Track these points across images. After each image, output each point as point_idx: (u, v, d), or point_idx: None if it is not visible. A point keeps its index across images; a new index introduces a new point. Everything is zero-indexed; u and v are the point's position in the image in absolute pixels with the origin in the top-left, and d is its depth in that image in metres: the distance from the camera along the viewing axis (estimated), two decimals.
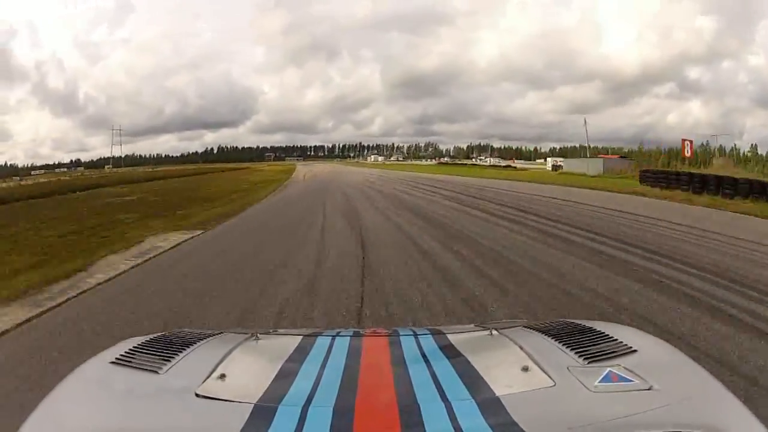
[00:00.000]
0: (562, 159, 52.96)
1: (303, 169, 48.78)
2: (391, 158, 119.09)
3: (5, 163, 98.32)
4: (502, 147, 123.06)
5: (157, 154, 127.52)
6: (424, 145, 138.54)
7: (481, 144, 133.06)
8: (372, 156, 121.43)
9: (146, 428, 0.69)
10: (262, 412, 0.68)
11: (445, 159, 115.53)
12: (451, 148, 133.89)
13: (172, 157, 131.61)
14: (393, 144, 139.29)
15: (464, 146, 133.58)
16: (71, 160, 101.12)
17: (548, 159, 60.04)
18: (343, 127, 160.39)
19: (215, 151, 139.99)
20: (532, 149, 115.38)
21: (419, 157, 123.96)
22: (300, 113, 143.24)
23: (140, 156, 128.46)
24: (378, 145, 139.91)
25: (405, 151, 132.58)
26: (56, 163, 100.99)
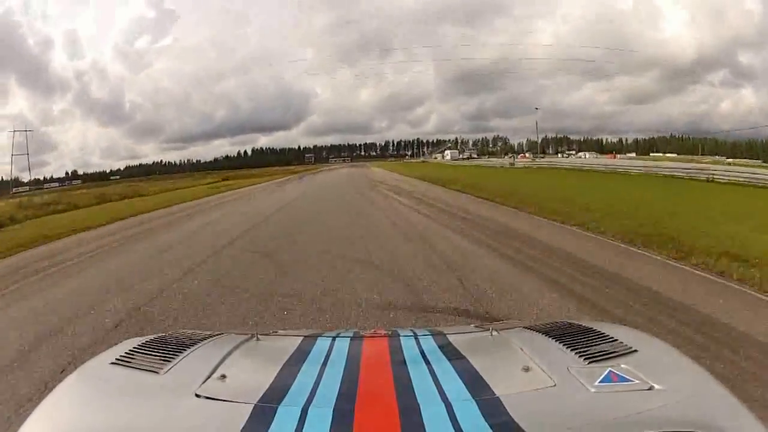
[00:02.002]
0: None
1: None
2: (464, 155, 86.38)
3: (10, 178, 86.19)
4: (581, 140, 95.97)
5: (188, 160, 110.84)
6: (492, 140, 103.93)
7: (558, 136, 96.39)
8: (446, 152, 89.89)
9: (146, 428, 0.68)
10: (262, 413, 0.68)
11: (527, 155, 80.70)
12: (524, 142, 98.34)
13: (202, 162, 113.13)
14: (457, 138, 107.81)
15: (538, 139, 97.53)
16: (66, 173, 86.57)
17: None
18: (397, 126, 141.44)
19: (249, 154, 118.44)
20: (615, 141, 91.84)
21: (488, 153, 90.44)
22: (353, 113, 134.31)
23: (168, 163, 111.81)
24: (439, 141, 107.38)
25: (470, 147, 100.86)
26: (46, 177, 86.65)
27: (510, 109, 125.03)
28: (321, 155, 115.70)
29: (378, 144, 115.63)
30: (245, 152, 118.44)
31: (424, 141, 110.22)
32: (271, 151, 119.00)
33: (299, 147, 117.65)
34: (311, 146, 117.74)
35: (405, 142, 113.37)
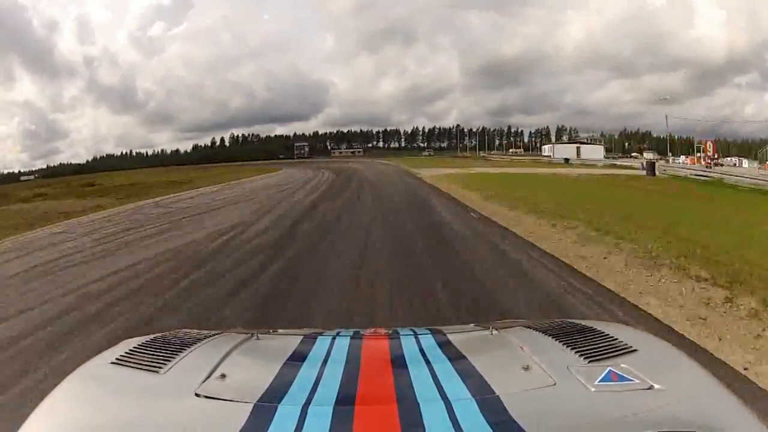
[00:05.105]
0: None
1: None
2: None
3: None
4: (660, 137, 72.95)
5: (163, 151, 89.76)
6: (557, 130, 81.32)
7: (640, 132, 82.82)
8: (556, 146, 56.72)
9: (146, 428, 0.68)
10: (262, 412, 0.67)
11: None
12: (602, 136, 75.30)
13: (160, 154, 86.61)
14: (509, 130, 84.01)
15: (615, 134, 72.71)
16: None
17: None
18: (417, 119, 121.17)
19: (227, 144, 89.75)
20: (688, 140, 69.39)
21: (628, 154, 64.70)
22: (372, 105, 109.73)
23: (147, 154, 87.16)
24: (484, 130, 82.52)
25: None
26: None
27: (530, 105, 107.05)
28: (324, 146, 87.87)
29: (403, 132, 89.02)
30: (222, 141, 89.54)
31: (466, 131, 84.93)
32: (258, 139, 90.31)
33: (295, 134, 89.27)
34: (309, 133, 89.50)
35: (440, 129, 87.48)
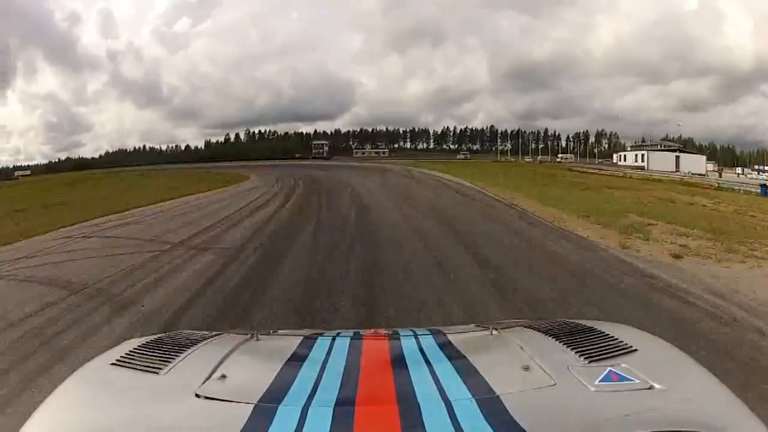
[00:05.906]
0: None
1: None
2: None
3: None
4: (702, 146, 71.66)
5: (177, 147, 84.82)
6: (603, 138, 76.26)
7: (683, 138, 76.75)
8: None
9: (147, 429, 0.69)
10: (263, 412, 0.68)
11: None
12: (643, 141, 70.37)
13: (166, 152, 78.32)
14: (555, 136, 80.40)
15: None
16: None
17: None
18: (443, 121, 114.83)
19: (242, 140, 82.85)
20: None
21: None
22: (398, 105, 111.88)
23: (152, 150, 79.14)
24: (519, 133, 78.26)
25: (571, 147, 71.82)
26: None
27: (558, 109, 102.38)
28: (347, 144, 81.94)
29: (432, 132, 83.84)
30: (237, 136, 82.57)
31: (499, 132, 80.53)
32: (276, 137, 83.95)
33: (315, 132, 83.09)
34: (329, 131, 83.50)
35: (472, 130, 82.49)
